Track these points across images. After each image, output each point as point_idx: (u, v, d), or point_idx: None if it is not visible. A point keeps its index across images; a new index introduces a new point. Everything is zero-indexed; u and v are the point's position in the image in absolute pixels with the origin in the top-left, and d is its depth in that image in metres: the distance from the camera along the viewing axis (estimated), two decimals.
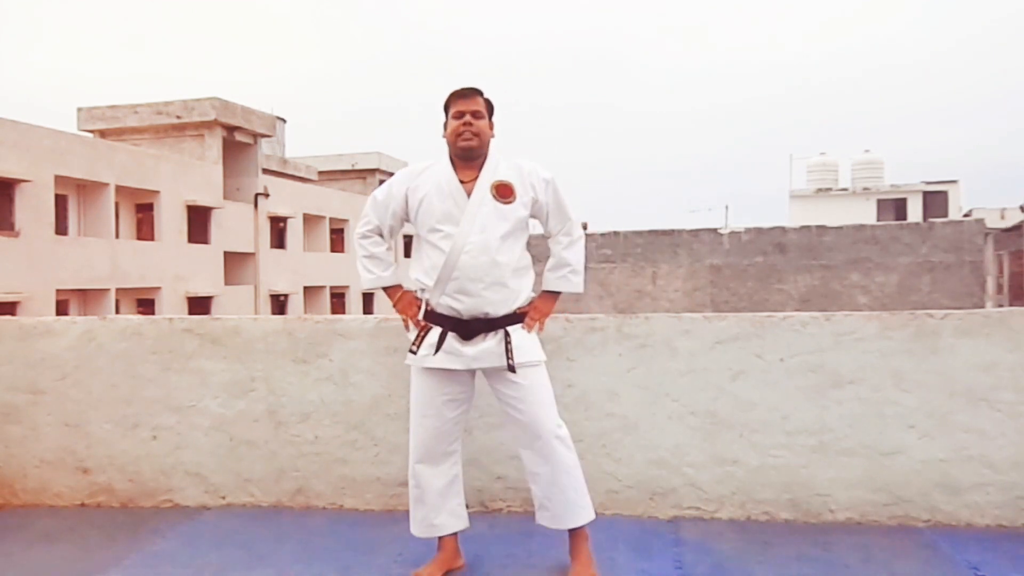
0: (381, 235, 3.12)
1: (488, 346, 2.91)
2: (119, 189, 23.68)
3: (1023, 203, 32.91)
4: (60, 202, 22.15)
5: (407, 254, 31.74)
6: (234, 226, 28.20)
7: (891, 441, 3.48)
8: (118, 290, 23.31)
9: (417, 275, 3.01)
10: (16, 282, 19.91)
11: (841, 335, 3.52)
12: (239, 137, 28.81)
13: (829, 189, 43.54)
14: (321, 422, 3.81)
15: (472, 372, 3.00)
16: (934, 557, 3.17)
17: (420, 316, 3.01)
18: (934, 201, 40.91)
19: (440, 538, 3.07)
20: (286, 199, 31.10)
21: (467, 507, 3.16)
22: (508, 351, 2.89)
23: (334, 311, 33.23)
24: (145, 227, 25.49)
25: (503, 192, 2.94)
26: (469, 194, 2.93)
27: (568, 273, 3.07)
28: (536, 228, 3.12)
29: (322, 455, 3.82)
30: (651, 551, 3.24)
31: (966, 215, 36.12)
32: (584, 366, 3.62)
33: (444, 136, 3.02)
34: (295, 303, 31.30)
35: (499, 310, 2.91)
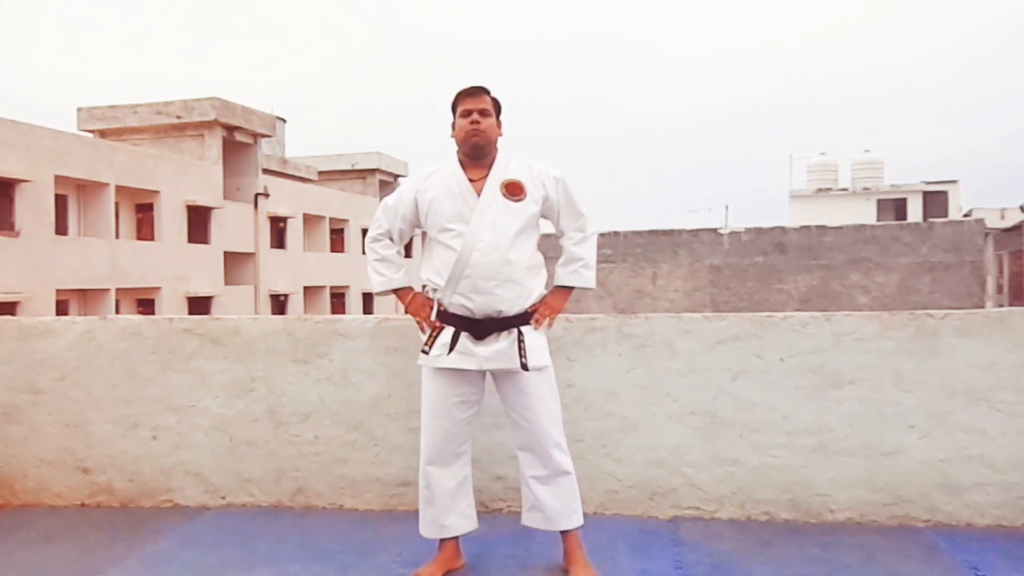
0: (392, 239, 3.12)
1: (501, 347, 2.91)
2: (119, 189, 23.67)
3: (1023, 203, 32.91)
4: (60, 202, 22.14)
5: (407, 254, 31.72)
6: (234, 226, 28.20)
7: (891, 441, 3.48)
8: (118, 290, 23.31)
9: (428, 275, 3.00)
10: (16, 282, 19.91)
11: (841, 335, 3.52)
12: (239, 137, 28.81)
13: (829, 189, 43.55)
14: (321, 422, 3.81)
15: (483, 373, 3.00)
16: (934, 557, 3.17)
17: (432, 317, 3.01)
18: (934, 201, 40.92)
19: (441, 538, 3.07)
20: (286, 199, 31.10)
21: None
22: (522, 350, 2.89)
23: (334, 311, 33.23)
24: (145, 227, 25.49)
25: (513, 190, 2.94)
26: (479, 193, 2.93)
27: (580, 268, 3.06)
28: (546, 228, 3.12)
29: (322, 455, 3.82)
30: (651, 551, 3.24)
31: (966, 215, 36.13)
32: (584, 366, 3.62)
33: (452, 136, 3.03)
34: (295, 303, 31.30)
35: (512, 308, 2.91)
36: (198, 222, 26.73)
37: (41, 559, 3.32)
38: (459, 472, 3.05)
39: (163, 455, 3.92)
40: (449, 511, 3.03)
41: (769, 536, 3.39)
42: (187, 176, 26.07)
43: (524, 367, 2.90)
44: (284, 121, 38.08)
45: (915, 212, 40.15)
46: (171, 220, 25.45)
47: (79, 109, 28.04)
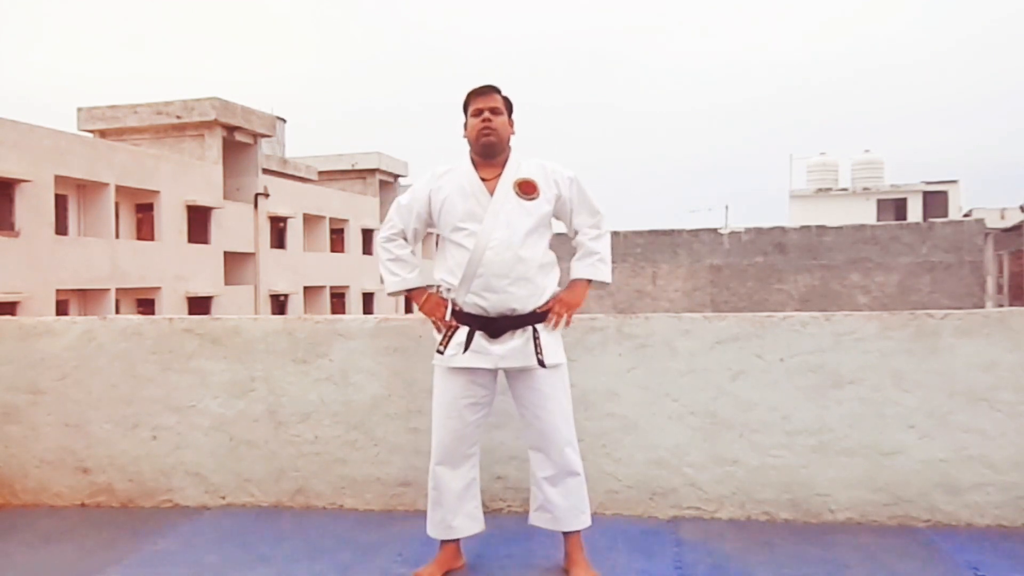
0: (405, 239, 3.11)
1: (516, 345, 2.91)
2: (119, 189, 23.67)
3: (1023, 203, 32.91)
4: (60, 202, 22.14)
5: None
6: (234, 226, 28.20)
7: (891, 441, 3.48)
8: (118, 290, 23.31)
9: (442, 275, 3.00)
10: (16, 282, 19.91)
11: (841, 335, 3.52)
12: (239, 137, 28.82)
13: (829, 189, 43.56)
14: (321, 422, 3.81)
15: (495, 374, 3.00)
16: (934, 557, 3.17)
17: (447, 316, 3.01)
18: (934, 201, 40.92)
19: (447, 539, 3.07)
20: (286, 199, 31.11)
21: None
22: (537, 346, 2.90)
23: (334, 311, 33.24)
24: (145, 227, 25.49)
25: (526, 189, 2.94)
26: (492, 192, 2.94)
27: (596, 261, 3.05)
28: (557, 227, 3.12)
29: (322, 455, 3.82)
30: (651, 551, 3.24)
31: (966, 215, 36.13)
32: (584, 366, 3.62)
33: (464, 135, 3.03)
34: (295, 303, 31.30)
35: (526, 306, 2.91)
36: (198, 222, 26.73)
37: (41, 559, 3.32)
38: (467, 474, 3.05)
39: (163, 455, 3.92)
40: (456, 512, 3.03)
41: (769, 536, 3.39)
42: (187, 176, 26.07)
43: (541, 363, 2.90)
44: (284, 121, 38.08)
45: (915, 212, 40.16)
46: (171, 220, 25.45)
47: (79, 109, 28.04)
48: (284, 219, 31.22)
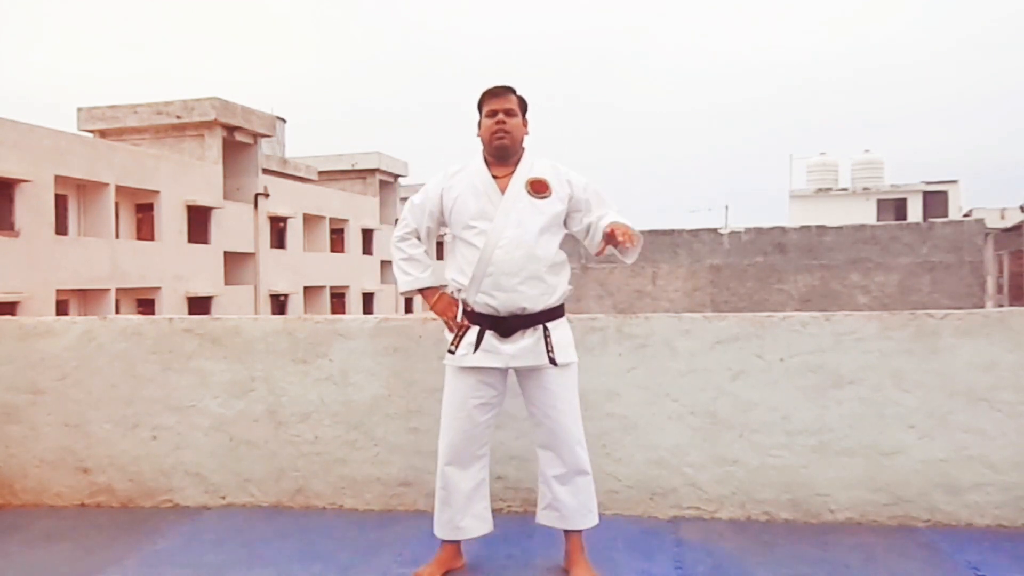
0: (419, 238, 3.12)
1: (526, 344, 2.91)
2: (119, 189, 23.68)
3: (1023, 203, 32.90)
4: (60, 202, 22.14)
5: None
6: (234, 226, 28.20)
7: (891, 441, 3.48)
8: (118, 290, 23.31)
9: (452, 275, 3.00)
10: (16, 282, 19.91)
11: (841, 335, 3.52)
12: (239, 137, 28.81)
13: (829, 189, 43.54)
14: (321, 422, 3.81)
15: (506, 374, 3.00)
16: (934, 557, 3.17)
17: (458, 316, 3.00)
18: (934, 201, 40.91)
19: (453, 539, 3.07)
20: (286, 199, 31.10)
21: None
22: (548, 344, 2.90)
23: (334, 311, 33.23)
24: (145, 227, 25.49)
25: (538, 188, 2.94)
26: (503, 191, 2.94)
27: (620, 216, 2.98)
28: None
29: (322, 455, 3.82)
30: (651, 551, 3.24)
31: (966, 215, 36.13)
32: (584, 366, 3.60)
33: (478, 134, 3.03)
34: (295, 303, 31.30)
35: (536, 305, 2.90)
36: (198, 222, 26.73)
37: (41, 559, 3.31)
38: (477, 474, 3.04)
39: (163, 455, 3.92)
40: (465, 513, 3.02)
41: (769, 536, 3.39)
42: (187, 176, 26.06)
43: (553, 362, 2.90)
44: (284, 121, 38.08)
45: (915, 212, 40.16)
46: (171, 220, 25.45)
47: (79, 109, 28.04)
48: (284, 219, 31.22)
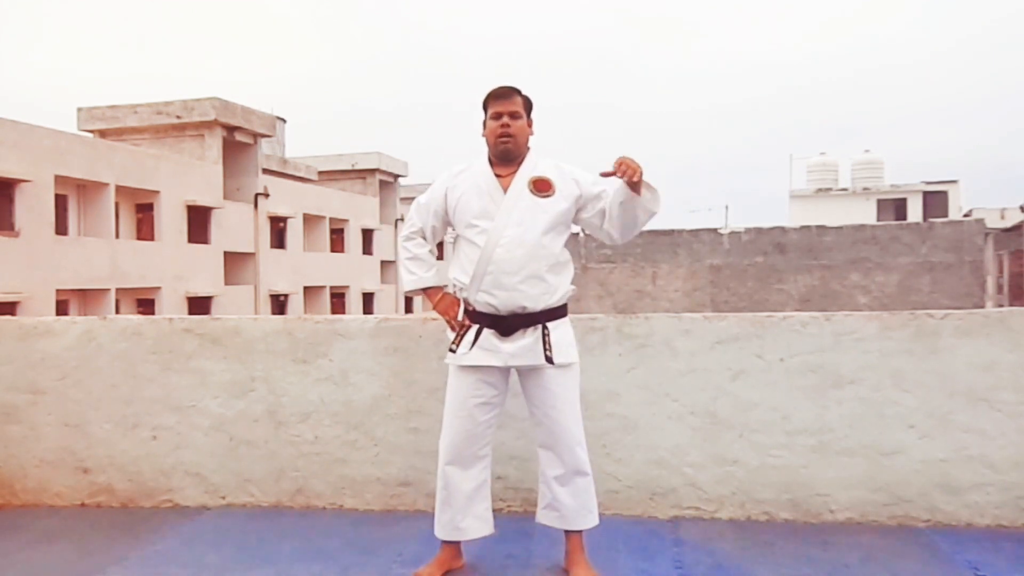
0: (424, 237, 3.13)
1: (526, 343, 2.91)
2: (119, 189, 23.67)
3: (1023, 203, 32.90)
4: (60, 202, 22.14)
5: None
6: (234, 226, 28.20)
7: (891, 441, 3.48)
8: (118, 290, 23.31)
9: (455, 274, 3.01)
10: (16, 282, 19.90)
11: (841, 335, 3.52)
12: (239, 137, 28.81)
13: (829, 189, 43.54)
14: (321, 422, 3.81)
15: (507, 373, 3.00)
16: (934, 557, 3.17)
17: (460, 316, 3.01)
18: (934, 201, 40.91)
19: (453, 540, 3.07)
20: (286, 199, 31.10)
21: None
22: (546, 344, 2.89)
23: (334, 311, 33.24)
24: (145, 227, 25.48)
25: (541, 187, 2.94)
26: (506, 190, 2.94)
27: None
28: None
29: (322, 455, 3.82)
30: (651, 551, 3.24)
31: (966, 215, 36.12)
32: (584, 366, 3.60)
33: (483, 134, 3.04)
34: (295, 303, 31.29)
35: (537, 304, 2.90)
36: (198, 222, 26.73)
37: (41, 559, 3.31)
38: (478, 475, 3.04)
39: (163, 455, 3.92)
40: (466, 513, 3.02)
41: (769, 536, 3.39)
42: (187, 176, 26.06)
43: (549, 360, 2.89)
44: (284, 121, 38.07)
45: (915, 212, 40.15)
46: (171, 220, 25.44)
47: (79, 109, 28.03)
48: (284, 219, 31.22)
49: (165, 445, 3.91)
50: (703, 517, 3.59)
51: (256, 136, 29.72)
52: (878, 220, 37.71)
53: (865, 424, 3.50)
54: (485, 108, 3.03)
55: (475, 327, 2.94)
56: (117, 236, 23.95)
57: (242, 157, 29.41)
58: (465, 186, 3.00)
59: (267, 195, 29.89)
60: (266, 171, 31.24)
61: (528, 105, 3.03)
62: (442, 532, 3.05)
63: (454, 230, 3.09)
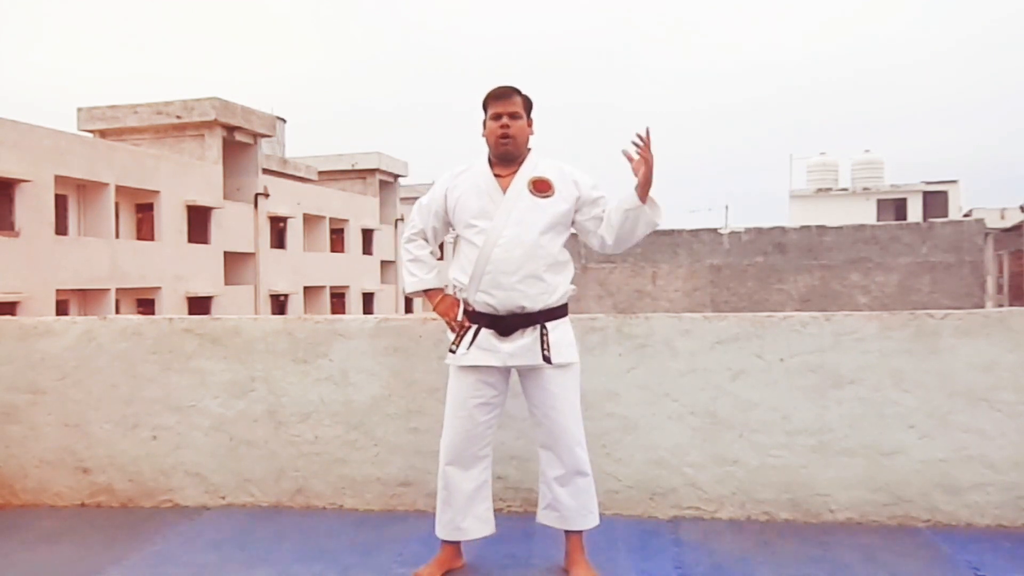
0: (426, 239, 3.13)
1: (525, 343, 2.91)
2: (119, 189, 23.67)
3: (1023, 203, 32.90)
4: (60, 202, 22.14)
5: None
6: (234, 226, 28.20)
7: (891, 441, 3.48)
8: (118, 290, 23.31)
9: (455, 274, 3.01)
10: (16, 282, 19.90)
11: (841, 335, 3.52)
12: (239, 137, 28.81)
13: (829, 189, 43.54)
14: (321, 422, 3.81)
15: (507, 373, 3.00)
16: (934, 557, 3.17)
17: (459, 316, 3.01)
18: (934, 201, 40.91)
19: (453, 540, 3.07)
20: (286, 199, 31.10)
21: None
22: (544, 343, 2.89)
23: (334, 311, 33.23)
24: (145, 227, 25.48)
25: (540, 187, 2.94)
26: (505, 190, 2.94)
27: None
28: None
29: (322, 455, 3.82)
30: (651, 551, 3.24)
31: (966, 215, 36.12)
32: (584, 366, 3.60)
33: (483, 135, 3.04)
34: (295, 303, 31.29)
35: (535, 304, 2.90)
36: (198, 222, 26.73)
37: (41, 559, 3.31)
38: (479, 475, 3.04)
39: (163, 455, 3.92)
40: (466, 514, 3.02)
41: (769, 536, 3.39)
42: (187, 176, 26.06)
43: (547, 360, 2.89)
44: (284, 121, 38.07)
45: (915, 212, 40.15)
46: (171, 220, 25.44)
47: (79, 109, 28.03)
48: (284, 219, 31.22)
49: (165, 445, 3.91)
50: (703, 517, 3.59)
51: (256, 136, 29.72)
52: (878, 220, 37.71)
53: (865, 424, 3.50)
54: (485, 108, 3.03)
55: (474, 327, 2.95)
56: (117, 236, 23.95)
57: (242, 157, 29.41)
58: (465, 186, 3.00)
59: (267, 195, 29.89)
60: (266, 171, 31.24)
61: (528, 105, 3.03)
62: (443, 532, 3.05)
63: (454, 231, 3.09)
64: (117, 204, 24.04)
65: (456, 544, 3.08)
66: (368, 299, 36.17)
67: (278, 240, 31.29)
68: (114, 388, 3.93)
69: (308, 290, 32.45)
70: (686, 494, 3.61)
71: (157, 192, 24.95)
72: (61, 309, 21.29)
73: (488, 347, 2.93)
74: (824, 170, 44.37)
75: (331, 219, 34.49)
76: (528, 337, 2.92)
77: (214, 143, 27.67)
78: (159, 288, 24.68)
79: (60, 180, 21.65)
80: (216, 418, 3.88)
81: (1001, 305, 31.65)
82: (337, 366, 3.80)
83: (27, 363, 3.98)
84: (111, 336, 3.94)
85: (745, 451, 3.57)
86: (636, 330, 3.64)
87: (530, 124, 3.03)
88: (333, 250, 34.93)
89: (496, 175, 2.98)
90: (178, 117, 27.42)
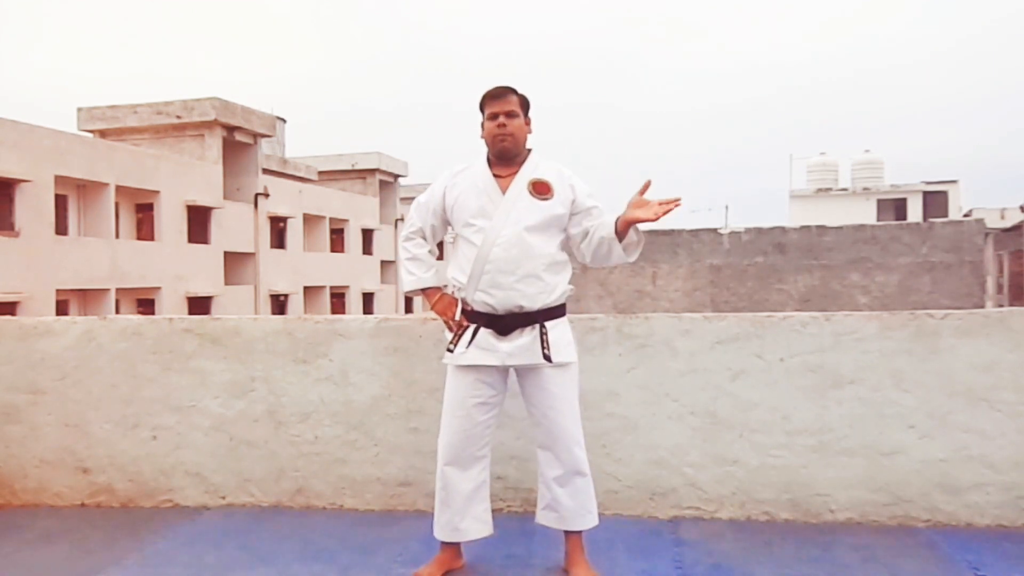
0: (424, 237, 3.13)
1: (524, 342, 2.91)
2: (119, 189, 23.67)
3: (1023, 203, 32.90)
4: (60, 202, 22.14)
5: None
6: (234, 226, 28.20)
7: (891, 441, 3.48)
8: (118, 290, 23.31)
9: (453, 273, 3.01)
10: (16, 282, 19.90)
11: (841, 335, 3.52)
12: (239, 137, 28.81)
13: (829, 189, 43.54)
14: (321, 422, 3.81)
15: (505, 373, 3.00)
16: (934, 557, 3.17)
17: (457, 315, 3.00)
18: (934, 201, 40.91)
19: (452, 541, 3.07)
20: (286, 199, 31.10)
21: None
22: (544, 342, 2.89)
23: (334, 311, 33.23)
24: (145, 227, 25.49)
25: (540, 189, 2.94)
26: (505, 190, 2.94)
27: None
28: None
29: (322, 455, 3.82)
30: (651, 551, 3.24)
31: (966, 215, 36.11)
32: (584, 366, 3.60)
33: (481, 136, 3.04)
34: (295, 303, 31.29)
35: (534, 303, 2.90)
36: (198, 222, 26.73)
37: (41, 559, 3.31)
38: (477, 476, 3.04)
39: (163, 455, 3.92)
40: (464, 514, 3.02)
41: (769, 536, 3.39)
42: (187, 176, 26.06)
43: (547, 359, 2.89)
44: (284, 121, 38.07)
45: (915, 212, 40.14)
46: (171, 220, 25.44)
47: (79, 109, 28.04)
48: (284, 219, 31.22)
49: (165, 445, 3.91)
50: (703, 517, 3.59)
51: (256, 136, 29.72)
52: (878, 220, 37.70)
53: (865, 424, 3.50)
54: (482, 109, 3.03)
55: (472, 326, 2.94)
56: (117, 236, 23.96)
57: (242, 157, 29.41)
58: (464, 185, 3.01)
59: (267, 195, 29.89)
60: (266, 171, 31.24)
61: (524, 104, 3.03)
62: (441, 533, 3.05)
63: (453, 230, 3.09)
64: (117, 204, 24.04)
65: (456, 544, 3.08)
66: (368, 299, 36.17)
67: (278, 240, 31.30)
68: (114, 388, 3.93)
69: (308, 290, 32.45)
70: (686, 494, 3.61)
71: (157, 192, 24.96)
72: (61, 309, 21.29)
73: (486, 346, 2.93)
74: (824, 170, 44.38)
75: (331, 219, 34.49)
76: (527, 336, 2.92)
77: (214, 143, 27.68)
78: (159, 288, 24.68)
79: (60, 180, 21.66)
80: (216, 418, 3.88)
81: (1001, 305, 31.65)
82: (337, 366, 3.80)
83: (27, 363, 3.98)
84: (111, 336, 3.94)
85: (745, 451, 3.57)
86: (636, 330, 3.64)
87: (528, 123, 3.03)
88: (333, 250, 34.94)
89: (496, 175, 2.98)
90: (178, 117, 27.42)
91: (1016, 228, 33.65)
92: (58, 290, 21.30)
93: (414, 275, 3.10)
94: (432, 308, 3.11)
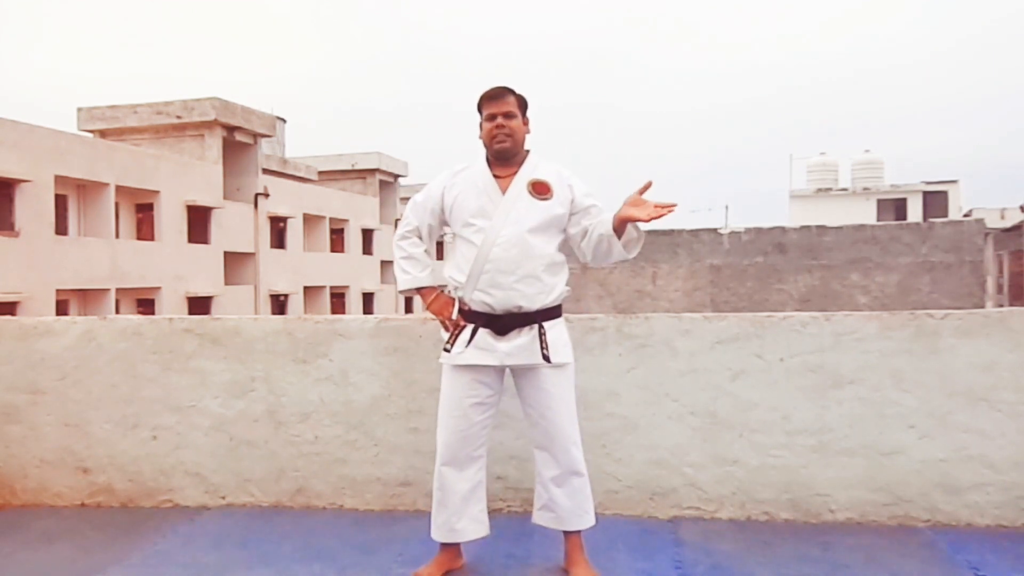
0: (420, 237, 3.12)
1: (522, 342, 2.91)
2: (119, 189, 23.67)
3: (1023, 203, 32.90)
4: (60, 202, 22.13)
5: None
6: (234, 226, 28.19)
7: (891, 441, 3.48)
8: (118, 290, 23.31)
9: (451, 272, 3.00)
10: (16, 282, 19.90)
11: (841, 335, 3.52)
12: (239, 137, 28.80)
13: (829, 189, 43.54)
14: (321, 422, 3.81)
15: (502, 373, 3.00)
16: (934, 557, 3.17)
17: (455, 315, 3.00)
18: (934, 201, 40.91)
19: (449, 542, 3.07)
20: (286, 199, 31.09)
21: None
22: (543, 343, 2.89)
23: (334, 311, 33.23)
24: (145, 227, 25.48)
25: (540, 189, 2.94)
26: (504, 190, 2.94)
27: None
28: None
29: (322, 455, 3.82)
30: (651, 551, 3.24)
31: (966, 215, 36.11)
32: (584, 366, 3.61)
33: (480, 137, 3.04)
34: (295, 303, 31.29)
35: (533, 303, 2.90)
36: (198, 222, 26.72)
37: (41, 559, 3.32)
38: (474, 476, 3.04)
39: (163, 455, 3.92)
40: (461, 515, 3.02)
41: (769, 536, 3.39)
42: (187, 176, 26.06)
43: (547, 359, 2.89)
44: (284, 121, 38.06)
45: (915, 212, 40.14)
46: (171, 220, 25.44)
47: (79, 109, 28.03)
48: (284, 219, 31.21)
49: (165, 445, 3.91)
50: (703, 517, 3.59)
51: (256, 136, 29.72)
52: (878, 220, 37.70)
53: (865, 424, 3.50)
54: (480, 111, 3.03)
55: (470, 327, 2.94)
56: (117, 236, 23.95)
57: (242, 157, 29.41)
58: (463, 185, 3.00)
59: (267, 195, 29.89)
60: (266, 171, 31.23)
61: (522, 104, 3.03)
62: (438, 534, 3.05)
63: (451, 229, 3.08)
64: (117, 204, 24.04)
65: (456, 544, 3.08)
66: (368, 299, 36.16)
67: (278, 240, 31.29)
68: (114, 388, 3.93)
69: (308, 290, 32.45)
70: (686, 494, 3.61)
71: (157, 192, 24.95)
72: (61, 309, 21.29)
73: (484, 346, 2.92)
74: (824, 170, 44.37)
75: (331, 219, 34.49)
76: (525, 336, 2.92)
77: (214, 143, 27.67)
78: (159, 288, 24.68)
79: (60, 180, 21.65)
80: (216, 418, 3.88)
81: (1001, 305, 31.65)
82: (337, 366, 3.80)
83: (27, 363, 3.98)
84: (111, 336, 3.94)
85: (745, 451, 3.57)
86: (636, 330, 3.64)
87: (526, 123, 3.03)
88: (333, 250, 34.93)
89: (495, 175, 2.98)
90: (178, 117, 27.42)
91: (1016, 228, 33.65)
92: (58, 290, 21.29)
93: (409, 274, 3.10)
94: (428, 308, 3.11)
